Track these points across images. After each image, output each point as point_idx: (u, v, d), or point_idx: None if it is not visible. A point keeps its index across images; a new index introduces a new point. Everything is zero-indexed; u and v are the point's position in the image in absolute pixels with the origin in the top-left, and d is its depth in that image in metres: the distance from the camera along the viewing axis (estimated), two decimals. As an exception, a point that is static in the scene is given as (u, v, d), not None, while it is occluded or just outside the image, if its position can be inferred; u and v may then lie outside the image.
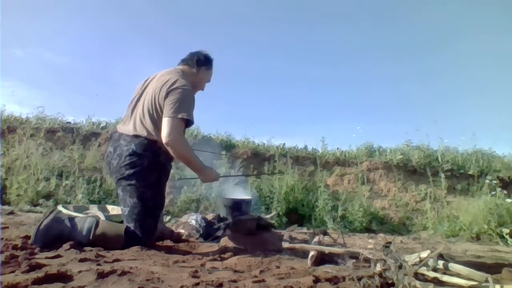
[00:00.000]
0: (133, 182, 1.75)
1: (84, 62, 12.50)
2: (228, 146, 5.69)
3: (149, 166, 1.77)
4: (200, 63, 2.06)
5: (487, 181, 4.38)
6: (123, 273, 1.13)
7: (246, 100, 12.56)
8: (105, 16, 11.83)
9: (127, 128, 1.85)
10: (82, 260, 1.31)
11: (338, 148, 6.05)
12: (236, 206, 2.57)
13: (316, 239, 2.16)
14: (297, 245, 1.98)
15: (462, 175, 5.15)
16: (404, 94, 12.19)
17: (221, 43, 12.97)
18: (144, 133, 1.78)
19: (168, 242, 1.97)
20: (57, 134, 5.62)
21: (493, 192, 4.09)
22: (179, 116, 1.73)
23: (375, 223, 4.35)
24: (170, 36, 13.10)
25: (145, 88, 1.95)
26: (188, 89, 1.84)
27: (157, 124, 1.78)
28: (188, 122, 1.81)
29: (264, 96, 12.91)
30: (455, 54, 11.43)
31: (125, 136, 1.83)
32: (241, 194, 3.02)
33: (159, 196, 1.86)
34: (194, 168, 1.85)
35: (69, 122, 6.05)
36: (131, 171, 1.75)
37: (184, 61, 2.09)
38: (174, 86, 1.79)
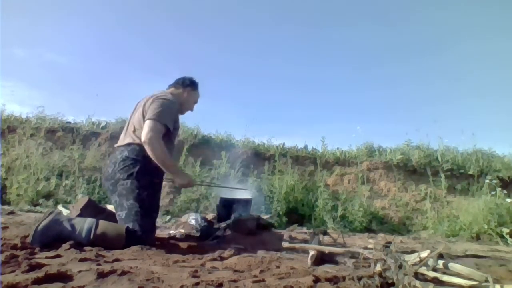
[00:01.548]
0: (128, 185, 1.83)
1: (84, 62, 12.51)
2: (228, 146, 5.69)
3: (141, 170, 1.87)
4: (185, 85, 2.25)
5: (487, 181, 4.38)
6: (123, 273, 1.13)
7: (246, 100, 12.58)
8: (105, 16, 11.83)
9: (121, 142, 2.01)
10: (82, 260, 1.31)
11: (338, 148, 6.05)
12: (236, 206, 2.57)
13: (316, 239, 2.16)
14: (297, 245, 1.98)
15: (462, 175, 5.15)
16: (404, 94, 12.22)
17: (221, 43, 13.00)
18: (136, 141, 1.91)
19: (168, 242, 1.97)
20: (57, 134, 5.62)
21: (493, 192, 4.08)
22: (160, 120, 1.88)
23: (375, 223, 4.35)
24: (169, 36, 13.11)
25: (135, 109, 2.12)
26: (173, 101, 2.03)
27: None
28: (168, 129, 1.96)
29: (264, 96, 12.92)
30: (455, 54, 11.44)
31: (119, 148, 2.00)
32: (241, 194, 3.02)
33: (154, 199, 1.93)
34: (169, 171, 1.99)
35: (69, 122, 6.04)
36: (125, 174, 1.85)
37: (171, 85, 2.27)
38: (161, 96, 1.98)
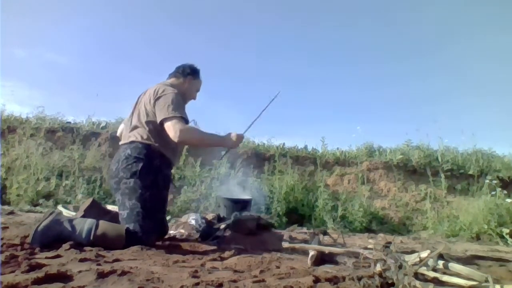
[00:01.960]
0: (131, 184, 1.81)
1: (84, 62, 12.50)
2: (228, 146, 5.68)
3: (144, 168, 1.84)
4: (185, 73, 2.18)
5: (487, 181, 4.38)
6: (123, 273, 1.13)
7: (246, 100, 12.57)
8: (105, 16, 11.83)
9: (125, 140, 1.98)
10: (82, 260, 1.31)
11: (338, 148, 6.05)
12: (236, 206, 2.56)
13: (316, 239, 2.16)
14: (297, 245, 1.97)
15: (462, 175, 5.15)
16: (404, 94, 12.21)
17: (221, 42, 13.00)
18: (138, 139, 1.89)
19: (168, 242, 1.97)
20: (57, 134, 5.61)
21: (493, 192, 4.08)
22: (176, 114, 1.83)
23: (375, 223, 4.35)
24: (170, 35, 13.11)
25: (136, 104, 2.07)
26: (175, 92, 1.95)
27: (150, 130, 1.90)
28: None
29: (264, 96, 12.88)
30: (455, 53, 11.44)
31: (122, 146, 1.96)
32: (241, 194, 3.02)
33: (158, 198, 1.89)
34: (216, 144, 2.08)
35: (69, 122, 6.03)
36: (128, 173, 1.83)
37: (171, 75, 2.22)
38: (161, 93, 1.92)
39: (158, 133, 1.89)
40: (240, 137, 2.04)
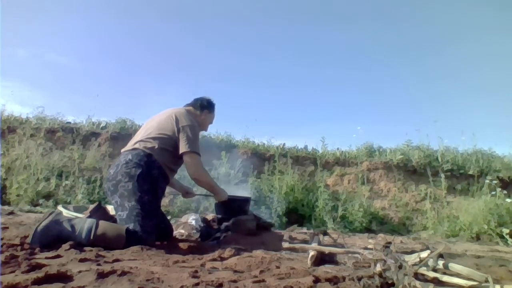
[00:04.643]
0: (129, 187, 1.84)
1: (84, 62, 12.51)
2: (228, 146, 5.69)
3: (143, 175, 1.88)
4: (203, 107, 2.32)
5: (487, 181, 4.37)
6: (123, 273, 1.13)
7: (246, 100, 12.58)
8: (105, 16, 11.83)
9: (128, 147, 2.05)
10: (82, 260, 1.31)
11: (338, 148, 6.04)
12: (235, 203, 2.53)
13: (316, 239, 2.16)
14: (297, 245, 1.98)
15: (462, 175, 5.14)
16: (404, 94, 12.22)
17: (221, 42, 13.00)
18: (141, 147, 1.95)
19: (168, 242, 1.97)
20: (57, 134, 5.61)
21: (493, 192, 4.08)
22: (197, 151, 2.00)
23: (375, 223, 4.35)
24: (170, 36, 13.11)
25: (151, 120, 2.18)
26: (197, 126, 2.13)
27: (157, 145, 1.97)
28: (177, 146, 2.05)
29: (264, 96, 12.93)
30: (455, 54, 11.44)
31: (124, 152, 2.03)
32: (240, 193, 3.00)
33: (155, 205, 1.95)
34: (213, 191, 2.21)
35: (69, 122, 6.03)
36: (126, 177, 1.86)
37: (189, 105, 2.34)
38: (187, 123, 2.03)
39: (163, 150, 1.98)
40: (226, 196, 2.25)
